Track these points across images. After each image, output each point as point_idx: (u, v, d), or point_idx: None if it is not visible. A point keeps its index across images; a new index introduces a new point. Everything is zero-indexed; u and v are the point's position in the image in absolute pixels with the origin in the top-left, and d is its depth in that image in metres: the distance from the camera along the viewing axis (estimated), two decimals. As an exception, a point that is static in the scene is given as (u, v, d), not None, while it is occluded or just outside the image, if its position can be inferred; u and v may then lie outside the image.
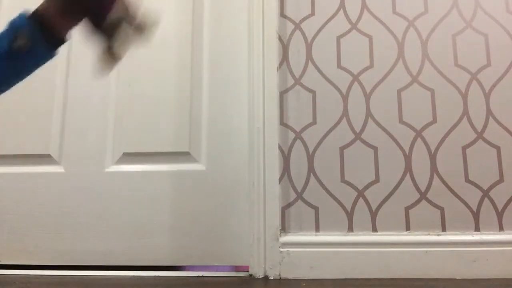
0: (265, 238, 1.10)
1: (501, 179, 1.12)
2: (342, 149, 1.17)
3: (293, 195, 1.15)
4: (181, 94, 1.27)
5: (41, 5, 0.64)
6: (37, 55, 0.65)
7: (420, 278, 1.04)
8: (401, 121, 1.18)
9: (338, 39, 1.23)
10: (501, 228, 1.10)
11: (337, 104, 1.19)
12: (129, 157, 1.25)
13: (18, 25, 0.63)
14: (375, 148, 1.16)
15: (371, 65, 1.21)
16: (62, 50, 1.33)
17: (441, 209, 1.12)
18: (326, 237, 1.11)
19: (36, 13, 0.64)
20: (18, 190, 1.23)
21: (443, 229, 1.11)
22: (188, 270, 1.17)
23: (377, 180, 1.15)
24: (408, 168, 1.15)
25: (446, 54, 1.20)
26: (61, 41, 0.67)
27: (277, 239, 1.10)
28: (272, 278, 1.08)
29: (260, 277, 1.08)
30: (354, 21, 1.24)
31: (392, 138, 1.17)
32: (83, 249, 1.19)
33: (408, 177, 1.14)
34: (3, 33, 0.64)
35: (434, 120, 1.17)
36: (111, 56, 0.59)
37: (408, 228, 1.11)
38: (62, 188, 1.23)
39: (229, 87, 1.26)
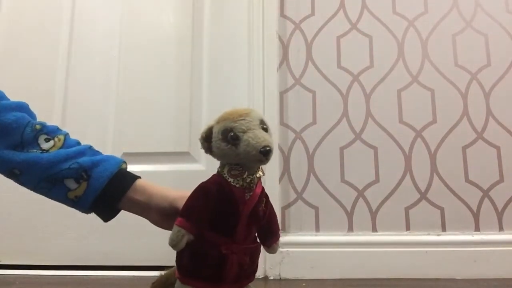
0: (265, 238, 1.10)
1: (501, 179, 1.12)
2: (342, 149, 1.17)
3: (293, 195, 1.15)
4: (181, 94, 1.27)
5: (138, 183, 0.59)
6: (71, 202, 0.58)
7: (420, 278, 1.04)
8: (401, 121, 1.17)
9: (338, 39, 1.23)
10: (501, 228, 1.10)
11: (337, 104, 1.19)
12: (129, 157, 1.24)
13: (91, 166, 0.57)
14: (375, 148, 1.16)
15: (371, 65, 1.21)
16: (63, 45, 1.33)
17: (441, 209, 1.12)
18: (326, 237, 1.11)
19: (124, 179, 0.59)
20: (18, 191, 1.23)
21: (443, 229, 1.10)
22: (188, 270, 1.17)
23: (377, 180, 1.15)
24: (408, 168, 1.15)
25: (446, 54, 1.20)
26: (114, 212, 0.61)
27: (277, 239, 1.10)
28: (272, 278, 1.08)
29: (260, 277, 1.08)
30: (354, 21, 1.24)
31: (392, 138, 1.16)
32: (83, 249, 1.19)
33: (408, 177, 1.14)
34: (68, 153, 0.57)
35: (434, 120, 1.17)
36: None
37: (408, 228, 1.11)
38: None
39: (229, 87, 1.26)
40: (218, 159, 0.53)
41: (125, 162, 0.63)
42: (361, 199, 1.14)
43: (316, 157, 1.17)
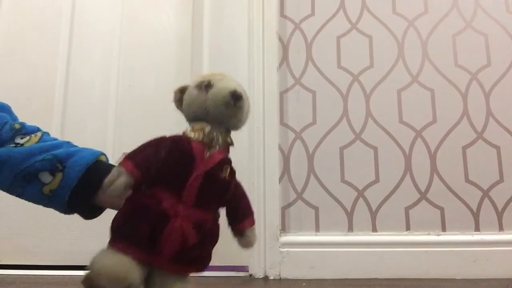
0: (265, 238, 1.10)
1: (501, 179, 1.12)
2: (342, 149, 1.17)
3: (293, 195, 1.15)
4: (181, 94, 1.27)
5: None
6: (47, 201, 0.54)
7: (420, 278, 1.04)
8: (401, 121, 1.17)
9: (338, 39, 1.23)
10: (501, 228, 1.10)
11: (337, 104, 1.19)
12: (129, 157, 1.25)
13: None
14: (375, 148, 1.16)
15: (371, 65, 1.21)
16: (63, 45, 1.33)
17: (441, 209, 1.12)
18: (326, 237, 1.11)
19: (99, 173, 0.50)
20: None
21: (443, 229, 1.10)
22: (188, 270, 1.17)
23: (377, 180, 1.14)
24: (408, 168, 1.14)
25: (446, 54, 1.20)
26: (95, 210, 0.57)
27: (277, 239, 1.10)
28: (272, 278, 1.08)
29: (260, 277, 1.08)
30: (354, 21, 1.24)
31: (392, 138, 1.16)
32: (83, 249, 1.19)
33: (408, 177, 1.14)
34: (42, 147, 0.53)
35: (434, 120, 1.17)
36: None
37: (408, 228, 1.11)
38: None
39: (229, 87, 1.26)
40: (184, 110, 0.51)
41: (104, 154, 0.58)
42: (361, 199, 1.14)
43: (316, 157, 1.17)
